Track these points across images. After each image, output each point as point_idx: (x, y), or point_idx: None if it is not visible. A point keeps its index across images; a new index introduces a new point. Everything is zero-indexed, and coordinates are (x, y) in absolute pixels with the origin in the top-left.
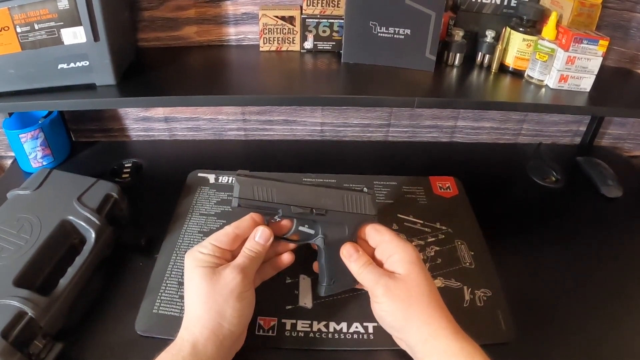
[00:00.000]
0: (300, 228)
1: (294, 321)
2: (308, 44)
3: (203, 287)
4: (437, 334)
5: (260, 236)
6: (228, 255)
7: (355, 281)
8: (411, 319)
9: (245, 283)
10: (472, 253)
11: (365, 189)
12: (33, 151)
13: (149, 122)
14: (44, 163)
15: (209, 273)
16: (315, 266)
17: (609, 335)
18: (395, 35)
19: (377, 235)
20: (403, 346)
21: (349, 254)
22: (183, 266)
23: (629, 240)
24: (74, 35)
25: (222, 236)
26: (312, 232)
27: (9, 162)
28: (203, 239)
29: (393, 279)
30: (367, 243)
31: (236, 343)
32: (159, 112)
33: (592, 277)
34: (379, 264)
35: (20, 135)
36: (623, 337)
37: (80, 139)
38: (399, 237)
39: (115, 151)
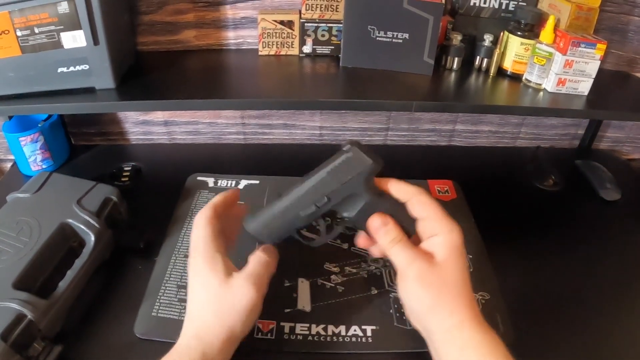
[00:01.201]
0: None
1: (292, 324)
2: (307, 48)
3: (216, 297)
4: (461, 325)
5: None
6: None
7: None
8: (438, 308)
9: (258, 296)
10: (471, 256)
11: (344, 147)
12: (33, 154)
13: (149, 125)
14: (44, 166)
15: (223, 282)
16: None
17: (607, 338)
18: (393, 40)
19: (422, 209)
20: (419, 328)
21: (376, 228)
22: (182, 270)
23: (627, 243)
24: (74, 39)
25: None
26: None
27: (8, 165)
28: None
29: (429, 264)
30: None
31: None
32: (159, 115)
33: (590, 280)
34: (417, 240)
35: (20, 139)
36: (622, 339)
37: (80, 142)
38: (445, 215)
39: (115, 154)
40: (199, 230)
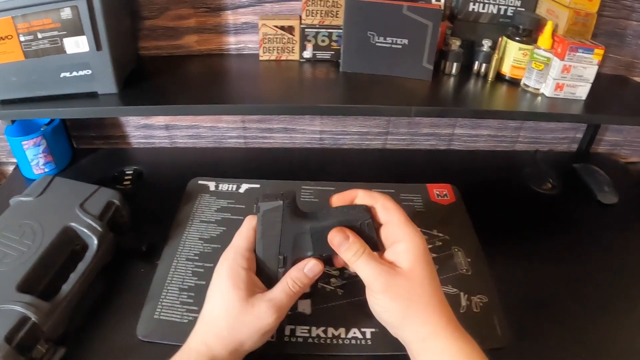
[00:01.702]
0: None
1: (293, 327)
2: (307, 54)
3: (235, 313)
4: (435, 334)
5: (310, 269)
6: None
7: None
8: (409, 318)
9: (276, 323)
10: (469, 260)
11: (255, 210)
12: (35, 158)
13: (150, 129)
14: (46, 170)
15: (244, 300)
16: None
17: (606, 341)
18: (393, 45)
19: (386, 214)
20: (399, 338)
21: (337, 244)
22: (184, 273)
23: (624, 247)
24: (77, 45)
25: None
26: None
27: (10, 168)
28: (203, 247)
29: (394, 275)
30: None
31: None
32: (160, 119)
33: (588, 283)
34: (381, 245)
35: (23, 142)
36: (619, 343)
37: (82, 146)
38: (408, 222)
39: (116, 158)
40: (237, 240)
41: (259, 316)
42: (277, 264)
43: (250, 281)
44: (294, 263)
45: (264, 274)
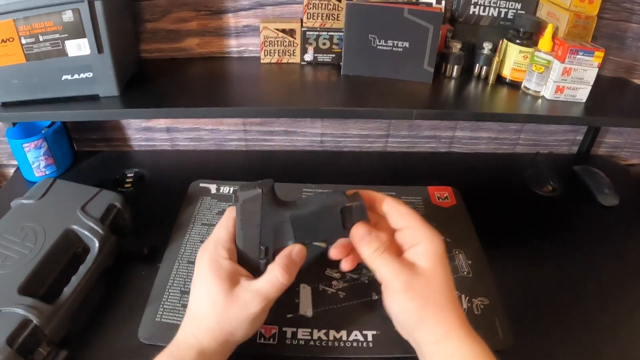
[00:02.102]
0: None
1: (294, 329)
2: (308, 56)
3: (220, 303)
4: (449, 335)
5: (297, 254)
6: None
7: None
8: (426, 320)
9: (262, 311)
10: (470, 262)
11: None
12: (36, 160)
13: (151, 132)
14: (47, 172)
15: (227, 291)
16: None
17: (606, 343)
18: (394, 48)
19: (401, 219)
20: (408, 340)
21: (360, 238)
22: (185, 276)
23: (625, 249)
24: (78, 47)
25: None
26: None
27: (11, 170)
28: None
29: (415, 275)
30: (385, 221)
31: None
32: (161, 122)
33: (589, 285)
34: (398, 250)
35: (24, 145)
36: (621, 345)
37: (83, 148)
38: (425, 224)
39: (117, 161)
40: (218, 231)
41: (244, 306)
42: (258, 255)
43: (233, 271)
44: (275, 253)
45: (245, 265)
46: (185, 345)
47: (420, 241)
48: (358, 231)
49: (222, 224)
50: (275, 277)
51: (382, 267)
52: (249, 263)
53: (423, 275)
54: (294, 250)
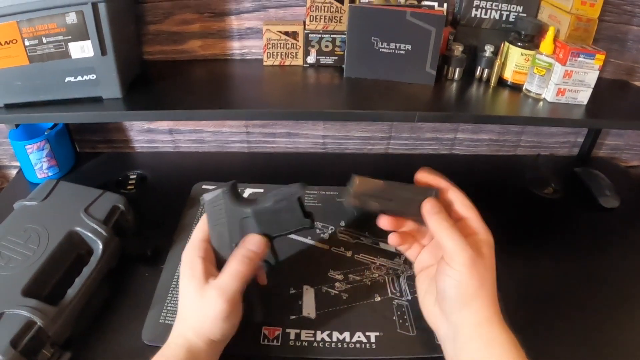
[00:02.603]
0: None
1: (297, 331)
2: (311, 59)
3: (194, 303)
4: (492, 321)
5: (251, 242)
6: None
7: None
8: (476, 300)
9: (229, 307)
10: None
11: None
12: (39, 162)
13: (153, 133)
14: (50, 174)
15: (199, 289)
16: None
17: (607, 344)
18: (396, 51)
19: (465, 210)
20: (440, 326)
21: (435, 210)
22: None
23: (626, 250)
24: (82, 49)
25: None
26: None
27: (13, 171)
28: None
29: (479, 254)
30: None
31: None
32: (163, 124)
33: (589, 287)
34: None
35: (27, 146)
36: (621, 347)
37: (85, 150)
38: (482, 220)
39: (120, 162)
40: (194, 233)
41: (210, 303)
42: (230, 252)
43: (205, 269)
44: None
45: (221, 263)
46: (175, 344)
47: (481, 231)
48: (433, 205)
49: (198, 227)
50: (233, 268)
51: (450, 239)
52: (223, 261)
53: (484, 258)
54: (248, 239)
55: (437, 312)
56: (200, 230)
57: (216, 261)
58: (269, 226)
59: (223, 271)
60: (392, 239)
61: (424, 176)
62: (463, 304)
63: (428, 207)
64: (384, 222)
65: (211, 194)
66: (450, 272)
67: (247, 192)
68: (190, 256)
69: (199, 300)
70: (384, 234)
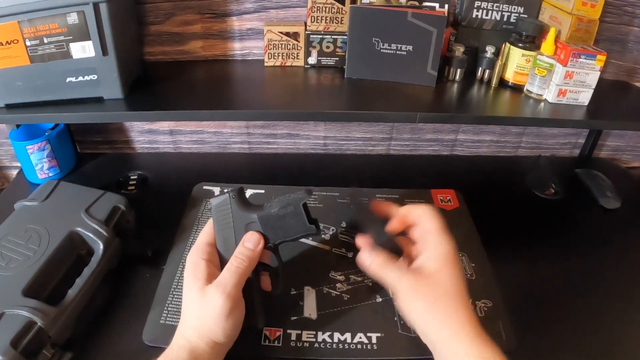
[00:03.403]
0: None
1: (299, 332)
2: (312, 60)
3: (196, 303)
4: (457, 336)
5: (249, 240)
6: None
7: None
8: (435, 318)
9: (229, 302)
10: (473, 265)
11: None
12: (39, 162)
13: (154, 134)
14: (50, 174)
15: (200, 289)
16: None
17: (610, 345)
18: (397, 52)
19: (426, 221)
20: (426, 343)
21: (363, 248)
22: None
23: (627, 251)
24: (83, 50)
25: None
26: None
27: (14, 172)
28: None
29: (419, 277)
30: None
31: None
32: (164, 124)
33: (591, 288)
34: (415, 254)
35: (27, 147)
36: (623, 348)
37: (86, 150)
38: (440, 230)
39: (121, 163)
40: (200, 236)
41: (211, 301)
42: None
43: (208, 271)
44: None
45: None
46: (177, 346)
47: (433, 246)
48: (361, 242)
49: (204, 230)
50: (230, 264)
51: (388, 273)
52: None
53: (429, 277)
54: (245, 237)
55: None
56: (205, 234)
57: (221, 264)
58: (274, 232)
59: (223, 270)
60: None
61: (376, 205)
62: (425, 326)
63: (360, 243)
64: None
65: (218, 198)
66: (401, 302)
67: (248, 193)
68: (194, 258)
69: (200, 301)
70: (385, 235)
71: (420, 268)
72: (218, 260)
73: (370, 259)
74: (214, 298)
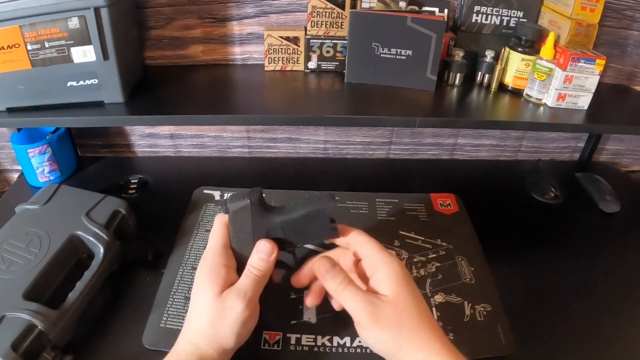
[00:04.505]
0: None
1: (298, 335)
2: (312, 64)
3: (211, 309)
4: (431, 358)
5: (261, 251)
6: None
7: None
8: (403, 346)
9: (248, 310)
10: (473, 269)
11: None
12: (40, 166)
13: (155, 138)
14: (51, 178)
15: (217, 295)
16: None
17: (609, 349)
18: (397, 56)
19: (361, 248)
20: None
21: (325, 271)
22: (190, 282)
23: (626, 255)
24: (84, 54)
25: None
26: None
27: (15, 175)
28: None
29: (379, 304)
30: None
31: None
32: (165, 128)
33: (590, 292)
34: (365, 279)
35: (28, 150)
36: (622, 351)
37: (86, 154)
38: (382, 249)
39: (121, 167)
40: (214, 239)
41: (230, 306)
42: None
43: (228, 277)
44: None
45: (242, 270)
46: (185, 353)
47: (379, 268)
48: (322, 264)
49: (215, 232)
50: (248, 271)
51: (348, 301)
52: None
53: (389, 303)
54: (258, 248)
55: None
56: (218, 237)
57: (237, 267)
58: (295, 236)
59: (242, 276)
60: (308, 300)
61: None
62: (394, 354)
63: (321, 270)
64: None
65: (237, 203)
66: (364, 333)
67: None
68: (214, 263)
69: (218, 305)
70: (385, 239)
71: (377, 293)
72: (236, 265)
73: (330, 279)
74: (234, 303)
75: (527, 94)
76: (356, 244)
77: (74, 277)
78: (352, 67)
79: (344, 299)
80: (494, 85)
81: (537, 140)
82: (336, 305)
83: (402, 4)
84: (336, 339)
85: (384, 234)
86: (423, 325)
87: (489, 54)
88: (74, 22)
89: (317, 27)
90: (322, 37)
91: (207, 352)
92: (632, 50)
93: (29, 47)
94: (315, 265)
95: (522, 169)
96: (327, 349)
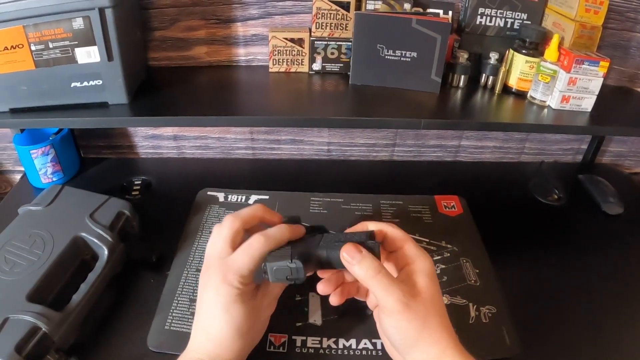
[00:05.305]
0: None
1: (304, 338)
2: (316, 66)
3: (240, 325)
4: (444, 354)
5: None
6: None
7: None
8: (422, 339)
9: (269, 299)
10: (477, 270)
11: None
12: (43, 167)
13: (158, 139)
14: (54, 179)
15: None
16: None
17: (613, 350)
18: (402, 58)
19: (398, 241)
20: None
21: (352, 256)
22: (194, 284)
23: (630, 257)
24: (88, 55)
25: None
26: None
27: (17, 176)
28: None
29: (411, 295)
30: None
31: None
32: (168, 130)
33: (594, 294)
34: (393, 270)
35: (31, 151)
36: (627, 354)
37: (89, 155)
38: (417, 245)
39: (124, 168)
40: (216, 244)
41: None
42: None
43: (245, 288)
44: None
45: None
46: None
47: (413, 261)
48: (349, 251)
49: (246, 253)
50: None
51: (378, 288)
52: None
53: (420, 295)
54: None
55: (394, 352)
56: (250, 259)
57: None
58: (329, 263)
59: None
60: (334, 299)
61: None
62: (410, 347)
63: (348, 256)
64: (322, 288)
65: (278, 263)
66: (388, 321)
67: (252, 198)
68: (228, 280)
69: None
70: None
71: (408, 283)
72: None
73: (357, 264)
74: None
75: (531, 96)
76: (391, 237)
77: (78, 278)
78: (357, 68)
79: (373, 285)
80: (498, 87)
81: (540, 142)
82: (336, 300)
83: (407, 6)
84: (342, 341)
85: None
86: (443, 322)
87: (493, 56)
88: (78, 23)
89: (321, 28)
90: (327, 38)
91: (221, 356)
92: (635, 52)
93: (33, 48)
94: (343, 252)
95: (525, 171)
96: (332, 352)
